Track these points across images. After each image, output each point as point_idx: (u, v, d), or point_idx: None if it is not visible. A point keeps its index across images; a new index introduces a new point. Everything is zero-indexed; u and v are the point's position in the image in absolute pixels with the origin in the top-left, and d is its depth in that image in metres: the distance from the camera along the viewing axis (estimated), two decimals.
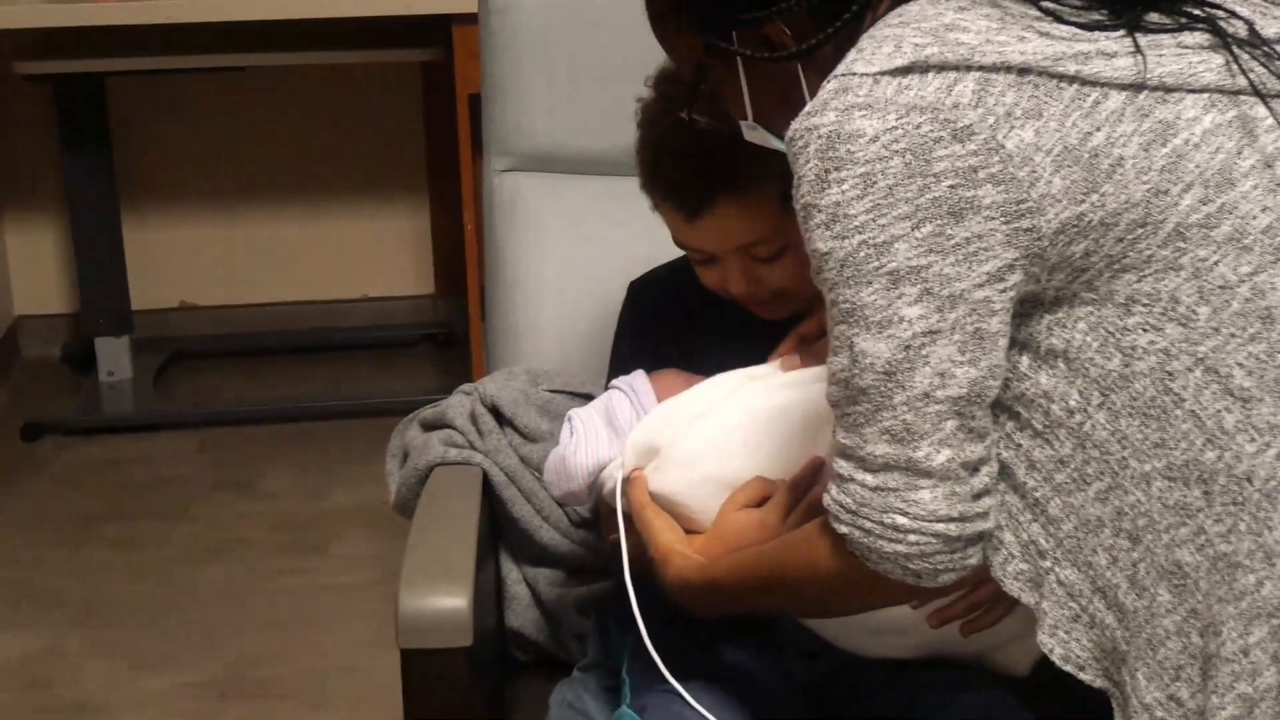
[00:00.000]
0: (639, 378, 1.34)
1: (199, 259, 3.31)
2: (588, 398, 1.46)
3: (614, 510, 1.25)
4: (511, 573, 1.52)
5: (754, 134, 1.11)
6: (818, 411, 1.21)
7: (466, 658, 1.22)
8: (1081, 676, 1.00)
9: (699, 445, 1.23)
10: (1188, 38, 0.97)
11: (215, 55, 2.81)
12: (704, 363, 1.33)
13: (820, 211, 0.95)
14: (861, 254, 0.94)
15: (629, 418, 1.29)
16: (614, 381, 1.35)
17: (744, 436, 1.23)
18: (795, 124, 0.96)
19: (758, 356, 1.33)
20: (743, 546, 1.17)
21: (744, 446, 1.22)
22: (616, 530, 1.25)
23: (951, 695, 1.19)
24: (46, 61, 2.79)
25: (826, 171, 0.94)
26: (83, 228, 3.01)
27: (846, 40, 1.00)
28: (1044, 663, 1.20)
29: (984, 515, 0.98)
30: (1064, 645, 1.00)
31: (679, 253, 1.52)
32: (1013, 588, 1.01)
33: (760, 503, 1.19)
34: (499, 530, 1.51)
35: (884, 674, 1.24)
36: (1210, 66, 0.96)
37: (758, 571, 1.11)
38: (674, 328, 1.43)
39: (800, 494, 1.18)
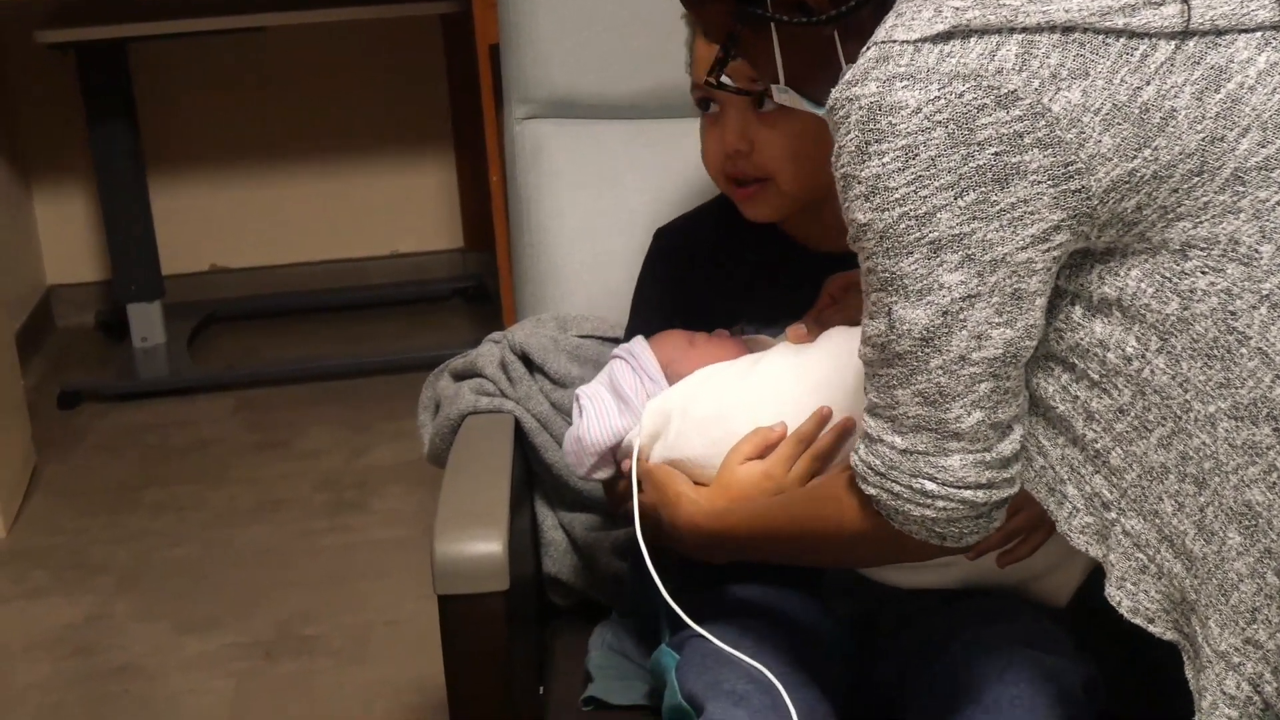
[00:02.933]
0: (638, 343, 1.34)
1: (227, 221, 3.32)
2: (616, 341, 1.46)
3: (628, 479, 1.25)
4: (547, 519, 1.52)
5: (784, 96, 1.10)
6: (825, 368, 1.22)
7: (504, 602, 1.23)
8: (1151, 629, 0.99)
9: (712, 407, 1.24)
10: None
11: (235, 16, 2.81)
12: (725, 310, 1.33)
13: (860, 183, 0.94)
14: (902, 226, 0.93)
15: (634, 384, 1.30)
16: (615, 350, 1.35)
17: (755, 396, 1.23)
18: (836, 93, 0.95)
19: (778, 303, 1.34)
20: (747, 497, 1.17)
21: (755, 405, 1.22)
22: (630, 495, 1.25)
23: (991, 623, 1.19)
24: (67, 29, 2.80)
25: (867, 144, 0.93)
26: (111, 195, 3.03)
27: (882, 3, 0.98)
28: (1083, 592, 1.20)
29: (1010, 482, 0.99)
30: (1132, 598, 0.99)
31: (701, 194, 1.51)
32: (1079, 541, 1.00)
33: (763, 454, 1.20)
34: (533, 477, 1.51)
35: (923, 606, 1.24)
36: (1263, 3, 0.94)
37: (775, 523, 1.12)
38: (696, 275, 1.43)
39: (805, 445, 1.19)
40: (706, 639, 1.19)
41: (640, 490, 1.24)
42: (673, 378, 1.30)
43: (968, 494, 0.97)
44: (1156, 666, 1.05)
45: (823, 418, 1.18)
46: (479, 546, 1.22)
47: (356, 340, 3.20)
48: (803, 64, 1.07)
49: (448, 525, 1.25)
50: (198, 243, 3.31)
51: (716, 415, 1.23)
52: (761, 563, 1.24)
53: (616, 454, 1.30)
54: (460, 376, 1.56)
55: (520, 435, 1.47)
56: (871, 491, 1.00)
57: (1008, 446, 0.98)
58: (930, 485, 0.97)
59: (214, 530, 2.52)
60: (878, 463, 0.99)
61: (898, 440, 0.98)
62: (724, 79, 1.16)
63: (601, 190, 1.63)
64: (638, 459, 1.25)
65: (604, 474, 1.31)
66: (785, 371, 1.24)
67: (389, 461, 2.70)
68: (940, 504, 0.98)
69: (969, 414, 0.96)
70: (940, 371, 0.95)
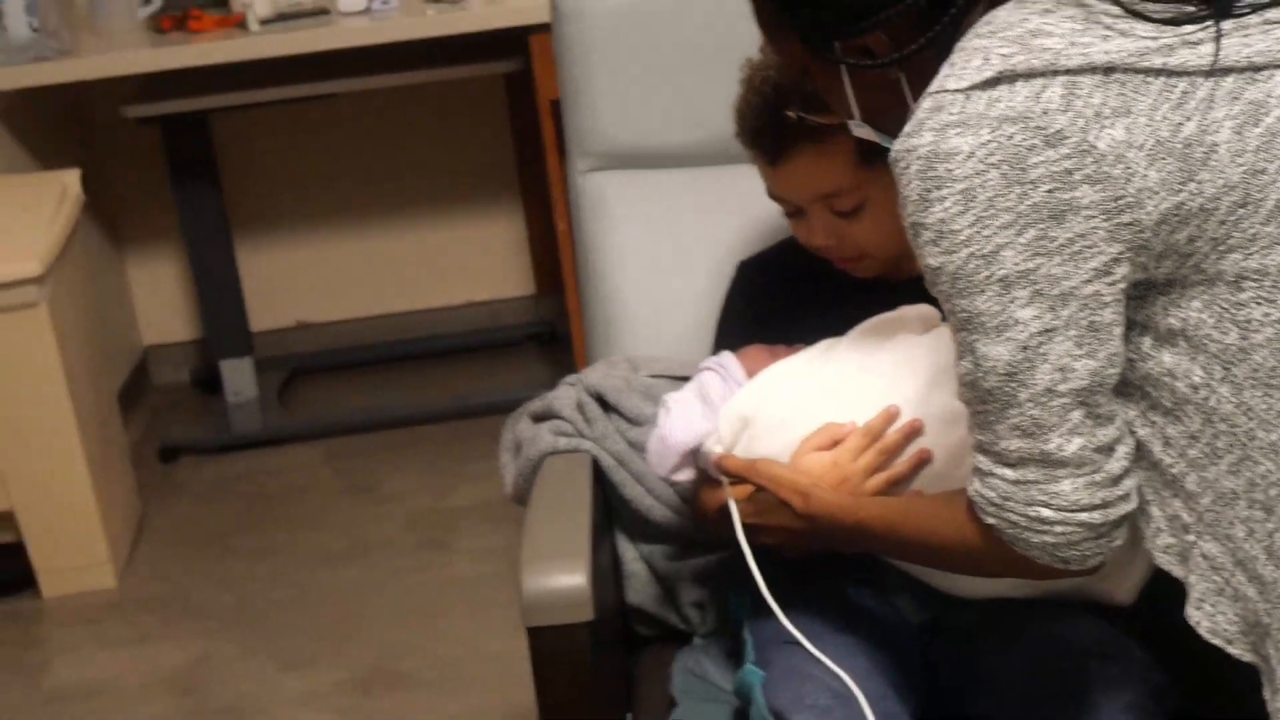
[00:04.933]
0: (726, 356, 1.39)
1: (310, 278, 3.41)
2: (686, 380, 1.52)
3: (714, 480, 1.31)
4: (628, 552, 1.57)
5: (861, 130, 1.15)
6: (894, 362, 1.27)
7: (589, 631, 1.28)
8: (1230, 650, 1.01)
9: (786, 409, 1.29)
10: (1274, 13, 0.96)
11: (309, 84, 2.91)
12: (809, 337, 1.38)
13: (927, 230, 0.98)
14: (970, 266, 0.97)
15: (721, 392, 1.35)
16: (704, 362, 1.41)
17: (826, 394, 1.28)
18: (895, 146, 1.00)
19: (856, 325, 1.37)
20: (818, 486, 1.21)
21: (827, 403, 1.27)
22: (715, 499, 1.31)
23: (1056, 631, 1.23)
24: (153, 104, 2.90)
25: (928, 191, 0.97)
26: (200, 258, 3.13)
27: (944, 45, 1.02)
28: (1148, 592, 1.22)
29: (1126, 498, 1.01)
30: (1210, 619, 1.01)
31: (761, 235, 1.59)
32: (1163, 560, 1.03)
33: (832, 446, 1.24)
34: (612, 513, 1.56)
35: (988, 612, 1.27)
36: None
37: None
38: (780, 304, 1.48)
39: (872, 438, 1.23)
40: (789, 654, 1.23)
41: (731, 485, 1.28)
42: None
43: (1084, 516, 0.99)
44: (1226, 679, 1.06)
45: (891, 415, 1.23)
46: (564, 579, 1.27)
47: (436, 387, 3.27)
48: (874, 101, 1.11)
49: (533, 560, 1.30)
50: (284, 300, 3.40)
51: (790, 417, 1.28)
52: (846, 565, 1.28)
53: (697, 458, 1.34)
54: (539, 418, 1.62)
55: (598, 473, 1.52)
56: (990, 521, 1.03)
57: (1116, 464, 1.00)
58: (1046, 511, 1.00)
59: (309, 572, 2.61)
60: (993, 494, 1.02)
61: (1008, 472, 1.00)
62: (803, 114, 1.23)
63: (663, 236, 1.69)
64: (745, 460, 1.28)
65: (685, 475, 1.35)
66: (853, 371, 1.29)
67: (473, 501, 2.76)
68: (1059, 529, 1.00)
69: (1069, 441, 0.98)
70: (1031, 404, 0.98)
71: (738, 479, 1.29)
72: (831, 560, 1.30)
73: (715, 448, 1.31)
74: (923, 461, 1.23)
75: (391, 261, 3.42)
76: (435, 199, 3.39)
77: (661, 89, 1.70)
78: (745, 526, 1.28)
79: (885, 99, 1.10)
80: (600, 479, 1.53)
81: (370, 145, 3.33)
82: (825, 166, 1.36)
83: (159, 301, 3.42)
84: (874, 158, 1.33)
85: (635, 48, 1.70)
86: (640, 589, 1.57)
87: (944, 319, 1.33)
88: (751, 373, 1.36)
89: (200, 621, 2.50)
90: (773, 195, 1.42)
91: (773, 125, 1.36)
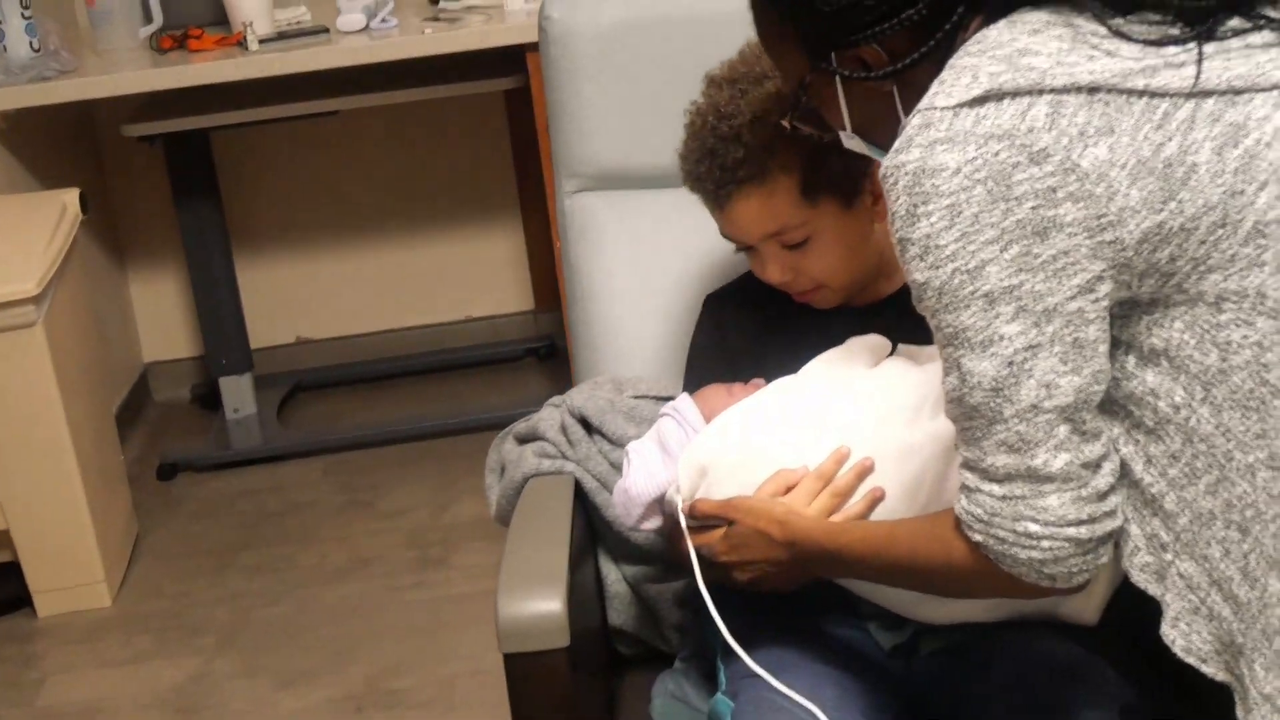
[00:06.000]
0: (684, 400, 1.40)
1: (311, 294, 3.43)
2: (670, 400, 1.52)
3: (678, 525, 1.31)
4: (611, 573, 1.58)
5: (852, 142, 1.16)
6: (845, 398, 1.27)
7: (566, 657, 1.28)
8: (1204, 669, 1.01)
9: (740, 454, 1.30)
10: (1255, 38, 0.98)
11: (309, 102, 2.92)
12: (776, 370, 1.39)
13: (913, 245, 0.99)
14: (956, 281, 0.97)
15: (679, 439, 1.36)
16: (663, 409, 1.42)
17: (779, 437, 1.29)
18: (885, 162, 1.01)
19: (822, 351, 1.38)
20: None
21: (780, 447, 1.28)
22: (682, 543, 1.32)
23: (1026, 653, 1.23)
24: (154, 122, 2.92)
25: (915, 206, 0.98)
26: (201, 275, 3.15)
27: (938, 60, 1.03)
28: (1111, 610, 1.22)
29: (1112, 514, 1.01)
30: (1185, 637, 1.01)
31: (743, 257, 1.59)
32: (1139, 579, 1.03)
33: (786, 492, 1.25)
34: (596, 534, 1.57)
35: (960, 635, 1.28)
36: (1279, 63, 0.96)
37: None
38: (746, 338, 1.49)
39: (825, 480, 1.24)
40: (759, 685, 1.24)
41: (692, 532, 1.29)
42: None
43: (1070, 531, 1.00)
44: (1199, 698, 1.07)
45: (841, 456, 1.24)
46: (540, 606, 1.28)
47: (436, 402, 3.29)
48: (867, 113, 1.13)
49: (510, 587, 1.30)
50: (284, 316, 3.43)
51: (744, 461, 1.29)
52: (818, 595, 1.28)
53: (663, 505, 1.36)
54: (523, 440, 1.63)
55: (581, 494, 1.53)
56: (977, 538, 1.03)
57: (1102, 480, 1.00)
58: (1034, 527, 1.00)
59: (307, 588, 2.62)
60: (980, 511, 1.02)
61: (995, 488, 1.01)
62: (797, 123, 1.23)
63: (648, 257, 1.70)
64: (715, 499, 1.29)
65: (652, 524, 1.37)
66: (804, 412, 1.29)
67: (471, 518, 2.77)
68: (1045, 544, 1.00)
69: (1055, 457, 0.99)
70: (1017, 420, 0.98)
71: (708, 522, 1.30)
72: (802, 590, 1.30)
73: (676, 496, 1.32)
74: (876, 500, 1.23)
75: (391, 277, 3.43)
76: (435, 215, 3.40)
77: (646, 110, 1.71)
78: (722, 566, 1.29)
79: (878, 111, 1.11)
80: (583, 501, 1.54)
81: (369, 161, 3.35)
82: (769, 205, 1.36)
83: (160, 318, 3.44)
84: (817, 192, 1.36)
85: (620, 70, 1.71)
86: (622, 610, 1.57)
87: (894, 349, 1.34)
88: (710, 415, 1.37)
89: (196, 639, 2.51)
90: (724, 235, 1.43)
91: (714, 169, 1.37)
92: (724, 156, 1.35)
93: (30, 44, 2.75)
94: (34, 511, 2.51)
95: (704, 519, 1.31)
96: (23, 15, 2.74)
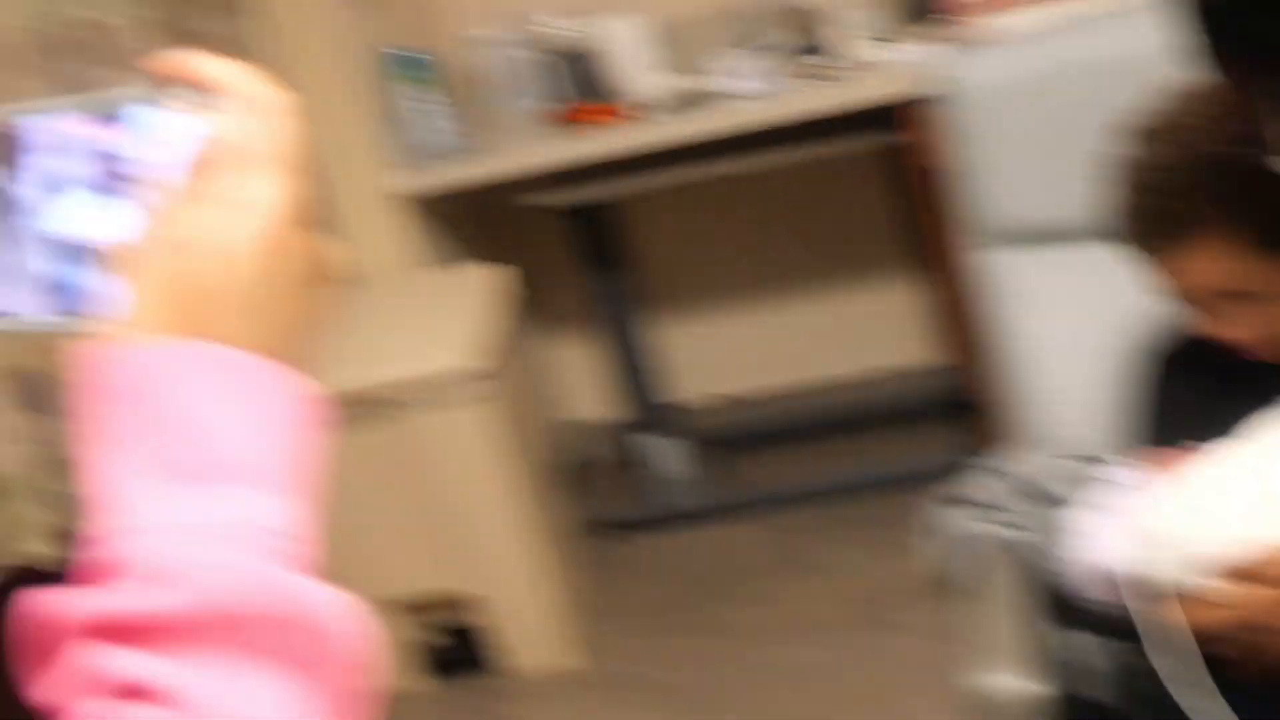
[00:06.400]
0: (1130, 463, 1.36)
1: (719, 353, 3.51)
2: (1102, 462, 1.48)
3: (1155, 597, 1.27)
4: (1067, 640, 1.55)
5: None
6: None
7: None
8: None
9: (1188, 523, 1.24)
10: None
11: (703, 167, 3.00)
12: (1231, 429, 1.32)
13: None
14: None
15: (1131, 505, 1.32)
16: (1101, 473, 1.38)
17: (1236, 507, 1.22)
18: None
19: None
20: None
21: (1238, 520, 1.21)
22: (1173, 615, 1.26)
23: None
24: (559, 192, 3.08)
25: None
26: (615, 337, 3.29)
27: None
28: None
29: None
30: None
31: (1169, 317, 1.52)
32: None
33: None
34: (1048, 601, 1.55)
35: None
36: None
37: None
38: (1181, 393, 1.44)
39: None
40: None
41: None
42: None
43: None
44: None
45: None
46: (1003, 681, 1.30)
47: (855, 456, 3.23)
48: None
49: (973, 661, 1.33)
50: (693, 375, 3.51)
51: (1193, 533, 1.23)
52: None
53: (1119, 579, 1.32)
54: (961, 503, 1.63)
55: (1030, 561, 1.52)
56: None
57: None
58: None
59: (755, 650, 2.64)
60: None
61: None
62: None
63: (1076, 315, 1.67)
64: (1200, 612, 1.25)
65: (1117, 599, 1.33)
66: (1258, 479, 1.23)
67: (902, 576, 2.71)
68: None
69: None
70: None
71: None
72: None
73: (1130, 568, 1.27)
74: None
75: (797, 332, 3.47)
76: (834, 270, 3.42)
77: (1059, 164, 1.68)
78: (1236, 642, 1.22)
79: None
80: (1032, 568, 1.51)
81: (764, 222, 3.40)
82: (1224, 257, 1.29)
83: (581, 379, 3.57)
84: (1277, 241, 1.27)
85: (1029, 124, 1.69)
86: (1081, 679, 1.53)
87: None
88: (1154, 479, 1.31)
89: (647, 696, 2.59)
90: (1167, 291, 1.37)
91: (1163, 224, 1.32)
92: (1173, 210, 1.30)
93: (449, 128, 2.96)
94: (500, 576, 2.68)
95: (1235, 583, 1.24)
96: (437, 103, 2.96)
